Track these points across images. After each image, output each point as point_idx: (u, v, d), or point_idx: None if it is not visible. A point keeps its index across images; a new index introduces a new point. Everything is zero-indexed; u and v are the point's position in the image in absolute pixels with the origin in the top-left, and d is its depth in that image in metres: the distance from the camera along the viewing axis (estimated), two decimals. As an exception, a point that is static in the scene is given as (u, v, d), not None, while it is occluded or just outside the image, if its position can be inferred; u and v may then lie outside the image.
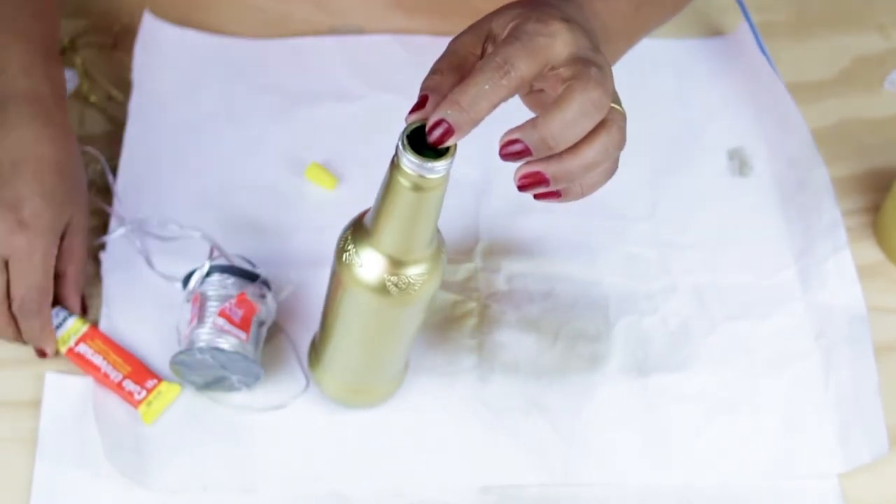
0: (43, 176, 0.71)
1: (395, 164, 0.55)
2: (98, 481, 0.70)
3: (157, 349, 0.75)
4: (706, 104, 0.91)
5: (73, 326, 0.74)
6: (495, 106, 0.52)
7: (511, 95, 0.53)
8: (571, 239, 0.83)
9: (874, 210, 0.86)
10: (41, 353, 0.73)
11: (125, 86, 0.88)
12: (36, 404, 0.73)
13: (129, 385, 0.72)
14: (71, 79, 0.88)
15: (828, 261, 0.81)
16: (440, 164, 0.53)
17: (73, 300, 0.74)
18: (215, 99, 0.88)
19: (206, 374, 0.72)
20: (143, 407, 0.72)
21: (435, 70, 0.55)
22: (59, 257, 0.72)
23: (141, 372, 0.73)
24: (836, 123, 0.91)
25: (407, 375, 0.75)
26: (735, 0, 0.93)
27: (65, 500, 0.70)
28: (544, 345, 0.78)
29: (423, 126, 0.53)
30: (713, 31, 0.96)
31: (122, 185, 0.82)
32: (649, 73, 0.92)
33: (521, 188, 0.54)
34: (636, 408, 0.76)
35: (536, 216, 0.84)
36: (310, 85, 0.90)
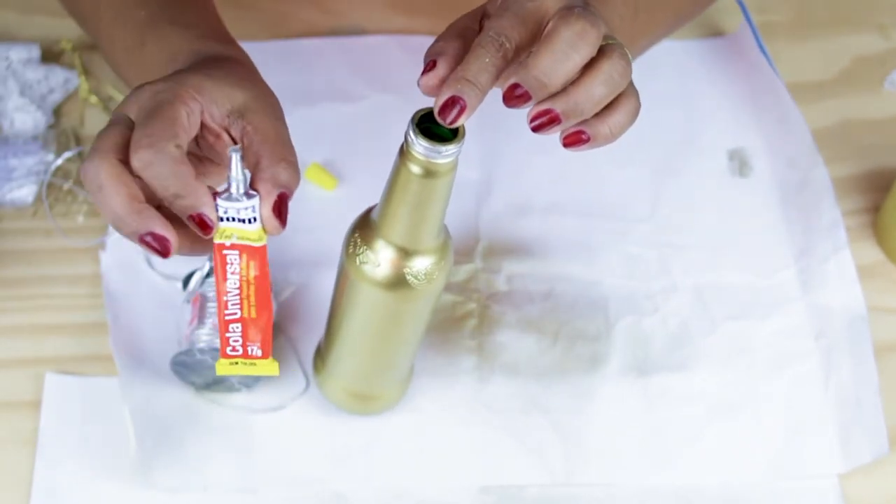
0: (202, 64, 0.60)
1: (404, 153, 0.55)
2: (98, 481, 0.70)
3: (157, 349, 0.75)
4: (706, 104, 0.91)
5: (247, 231, 0.55)
6: (497, 77, 0.52)
7: (511, 63, 0.53)
8: (571, 239, 0.83)
9: (874, 210, 0.86)
10: (199, 223, 0.53)
11: (125, 85, 0.88)
12: (36, 404, 0.73)
13: (233, 332, 0.57)
14: (71, 79, 0.88)
15: (828, 261, 0.81)
16: (451, 148, 0.54)
17: (263, 190, 0.55)
18: (215, 99, 0.88)
19: (206, 374, 0.72)
20: (224, 360, 0.57)
21: (437, 40, 0.56)
22: (245, 141, 0.57)
23: (257, 331, 0.57)
24: (836, 123, 0.91)
25: (412, 377, 0.75)
26: (735, 0, 0.93)
27: (65, 501, 0.70)
28: (544, 345, 0.78)
29: (430, 115, 0.53)
30: (713, 31, 0.96)
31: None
32: (649, 73, 0.92)
33: (536, 129, 0.53)
34: (636, 408, 0.76)
35: (536, 216, 0.84)
36: (310, 85, 0.90)
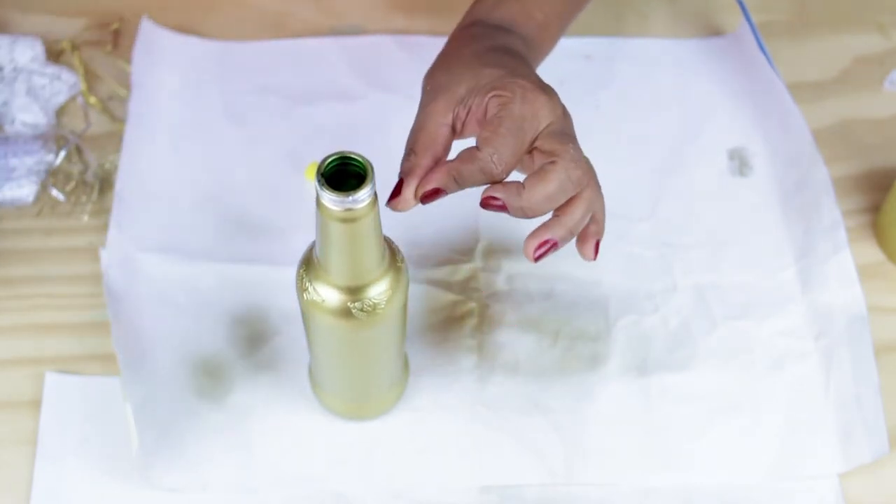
0: None
1: (319, 203, 0.55)
2: (98, 481, 0.70)
3: (158, 348, 0.75)
4: (706, 104, 0.91)
5: None
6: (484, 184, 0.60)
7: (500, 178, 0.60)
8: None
9: (874, 210, 0.86)
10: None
11: (126, 83, 0.88)
12: (36, 404, 0.73)
13: None
14: (78, 83, 0.88)
15: (828, 261, 0.81)
16: (362, 193, 0.54)
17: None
18: (215, 99, 0.88)
19: None
20: None
21: (409, 151, 0.60)
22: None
23: None
24: (836, 123, 0.91)
25: (408, 377, 0.75)
26: (735, 0, 0.93)
27: (65, 501, 0.70)
28: (544, 345, 0.78)
29: (340, 161, 0.54)
30: (713, 31, 0.96)
31: (123, 185, 0.82)
32: (649, 73, 0.92)
33: (485, 206, 0.61)
34: (636, 408, 0.76)
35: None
36: (310, 85, 0.90)
